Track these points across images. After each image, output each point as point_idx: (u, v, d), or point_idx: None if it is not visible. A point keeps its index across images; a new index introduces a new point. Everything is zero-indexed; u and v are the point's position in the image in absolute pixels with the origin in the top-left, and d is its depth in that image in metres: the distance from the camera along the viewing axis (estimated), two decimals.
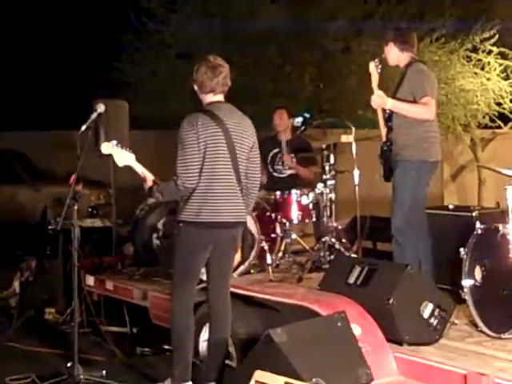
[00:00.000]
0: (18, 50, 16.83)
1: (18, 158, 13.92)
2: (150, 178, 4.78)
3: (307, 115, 7.19)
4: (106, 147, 4.81)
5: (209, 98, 4.86)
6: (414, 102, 5.39)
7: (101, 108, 5.13)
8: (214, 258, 4.86)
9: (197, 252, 4.77)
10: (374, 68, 5.58)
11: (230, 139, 4.75)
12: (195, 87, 4.89)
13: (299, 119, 7.11)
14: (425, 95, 5.36)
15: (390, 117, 5.60)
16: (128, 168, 4.85)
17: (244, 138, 4.85)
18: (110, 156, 4.84)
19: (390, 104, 5.42)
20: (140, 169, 4.82)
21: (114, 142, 4.81)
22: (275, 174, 7.70)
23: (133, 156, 4.83)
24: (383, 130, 5.69)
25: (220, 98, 4.89)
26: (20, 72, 16.66)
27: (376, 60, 5.63)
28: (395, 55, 5.60)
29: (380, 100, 5.45)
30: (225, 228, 4.80)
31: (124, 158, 4.81)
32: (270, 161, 7.70)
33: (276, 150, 7.69)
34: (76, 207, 5.03)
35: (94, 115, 5.09)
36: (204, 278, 5.71)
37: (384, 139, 5.68)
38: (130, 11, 12.53)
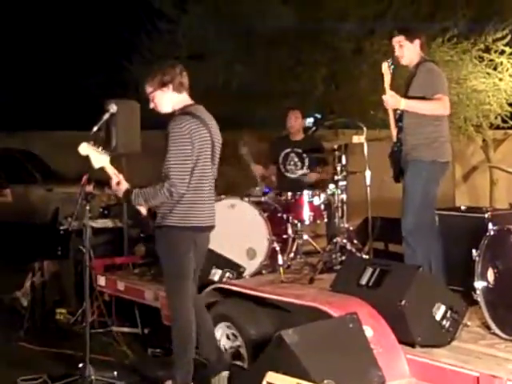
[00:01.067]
0: (30, 50, 16.88)
1: (30, 157, 13.99)
2: (124, 182, 4.77)
3: (318, 116, 7.20)
4: (84, 148, 4.75)
5: (181, 97, 4.84)
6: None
7: (113, 108, 5.13)
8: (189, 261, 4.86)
9: (187, 253, 4.76)
10: (386, 68, 5.54)
11: (213, 144, 4.80)
12: (164, 89, 4.79)
13: (310, 120, 7.12)
14: (436, 93, 5.34)
15: (400, 117, 5.58)
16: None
17: (219, 142, 4.90)
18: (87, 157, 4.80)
19: (405, 104, 5.39)
20: (112, 171, 4.80)
21: (91, 143, 4.78)
22: (287, 174, 7.71)
23: (107, 158, 4.79)
24: (394, 131, 5.67)
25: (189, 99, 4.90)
26: (32, 73, 16.72)
27: (389, 60, 5.59)
28: (415, 53, 5.57)
29: (393, 100, 5.42)
30: (205, 231, 4.87)
31: (100, 159, 4.77)
32: (281, 161, 7.72)
33: (288, 150, 7.72)
34: (88, 207, 5.04)
35: (106, 116, 5.08)
36: (215, 278, 5.73)
37: (394, 139, 5.66)
38: (141, 12, 12.54)
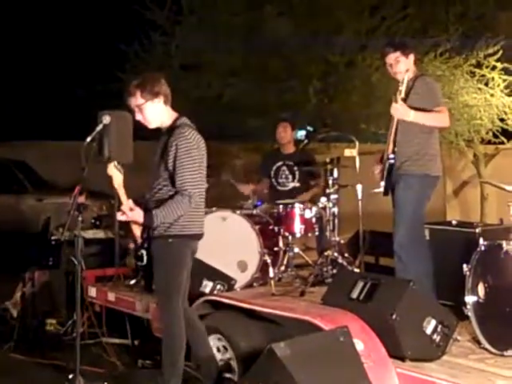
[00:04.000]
0: (23, 61, 16.89)
1: (21, 167, 13.95)
2: (135, 207, 4.67)
3: (310, 129, 7.20)
4: (111, 168, 4.71)
5: (169, 110, 4.81)
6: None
7: (106, 119, 5.12)
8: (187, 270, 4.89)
9: (188, 264, 4.78)
10: (406, 78, 5.48)
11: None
12: (155, 101, 4.70)
13: (302, 133, 7.12)
14: (438, 105, 5.38)
15: (396, 130, 5.56)
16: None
17: None
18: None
19: (413, 115, 5.37)
20: (122, 191, 4.70)
21: (116, 162, 4.74)
22: (279, 187, 7.71)
23: (121, 176, 4.73)
24: (391, 143, 5.55)
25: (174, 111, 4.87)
26: (24, 82, 16.72)
27: (408, 70, 5.57)
28: (411, 68, 5.59)
29: (403, 110, 5.39)
30: (200, 239, 4.88)
31: (119, 177, 4.72)
32: (273, 174, 7.72)
33: (279, 164, 7.72)
34: (80, 218, 5.03)
35: (99, 127, 5.09)
36: (206, 290, 5.73)
37: (390, 152, 5.59)
38: (135, 23, 12.56)
